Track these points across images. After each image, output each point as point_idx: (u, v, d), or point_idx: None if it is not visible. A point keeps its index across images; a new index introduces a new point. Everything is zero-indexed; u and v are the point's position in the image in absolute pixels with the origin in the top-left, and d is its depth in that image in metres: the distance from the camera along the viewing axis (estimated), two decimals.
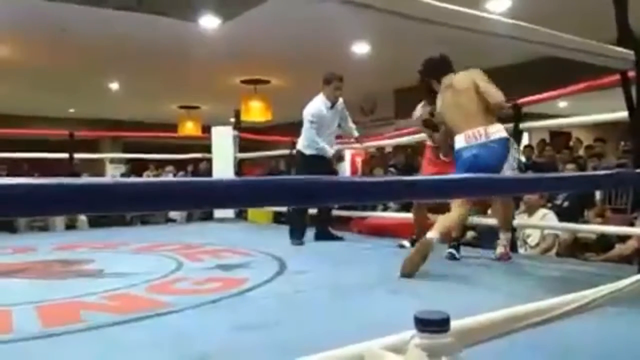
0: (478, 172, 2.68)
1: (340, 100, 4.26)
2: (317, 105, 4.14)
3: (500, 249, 3.18)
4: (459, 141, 2.92)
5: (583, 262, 3.45)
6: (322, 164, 4.12)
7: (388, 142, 5.11)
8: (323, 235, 4.28)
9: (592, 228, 3.89)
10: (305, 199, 1.09)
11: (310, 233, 4.24)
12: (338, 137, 4.91)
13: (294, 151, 5.28)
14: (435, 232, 2.78)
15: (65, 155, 5.66)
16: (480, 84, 2.95)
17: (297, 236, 4.08)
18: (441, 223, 2.87)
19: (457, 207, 2.95)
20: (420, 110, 3.65)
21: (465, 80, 3.01)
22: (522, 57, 6.71)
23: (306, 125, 4.16)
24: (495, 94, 2.94)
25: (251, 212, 6.28)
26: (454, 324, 0.80)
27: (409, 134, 4.51)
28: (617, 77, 1.98)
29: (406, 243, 3.72)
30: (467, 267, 2.98)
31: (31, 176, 0.64)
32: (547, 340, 1.44)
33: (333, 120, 4.25)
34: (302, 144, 4.21)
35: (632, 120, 1.73)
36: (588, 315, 1.31)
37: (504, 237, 3.21)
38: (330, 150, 4.17)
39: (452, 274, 2.83)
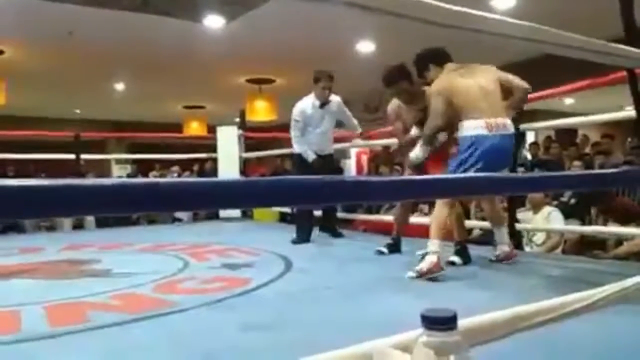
0: (502, 162, 2.71)
1: (337, 99, 4.17)
2: (302, 104, 4.06)
3: (503, 248, 2.99)
4: (479, 127, 2.72)
5: (590, 260, 3.43)
6: (314, 162, 4.04)
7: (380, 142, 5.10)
8: (327, 229, 4.33)
9: (596, 229, 3.85)
10: (310, 199, 1.09)
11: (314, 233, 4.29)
12: (342, 138, 4.86)
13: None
14: (435, 242, 2.68)
15: (71, 156, 5.69)
16: (501, 75, 2.89)
17: (301, 235, 4.06)
18: (434, 229, 2.74)
19: (439, 207, 2.82)
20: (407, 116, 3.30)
21: (489, 70, 2.90)
22: (526, 55, 6.69)
23: (291, 124, 4.11)
24: (520, 81, 2.89)
25: (257, 211, 6.30)
26: (462, 322, 0.80)
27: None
28: (621, 73, 1.97)
29: (384, 249, 3.40)
30: (473, 266, 2.97)
31: (38, 177, 0.65)
32: (555, 339, 1.43)
33: (322, 120, 4.10)
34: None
35: (639, 118, 1.72)
36: (596, 314, 1.30)
37: (499, 234, 3.03)
38: (311, 155, 4.03)
39: (458, 272, 2.82)
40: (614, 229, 3.65)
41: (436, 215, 2.80)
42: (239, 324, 1.93)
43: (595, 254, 3.92)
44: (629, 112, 2.29)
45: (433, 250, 2.65)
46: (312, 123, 4.05)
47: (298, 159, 4.12)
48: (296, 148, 4.11)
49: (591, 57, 1.42)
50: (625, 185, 3.74)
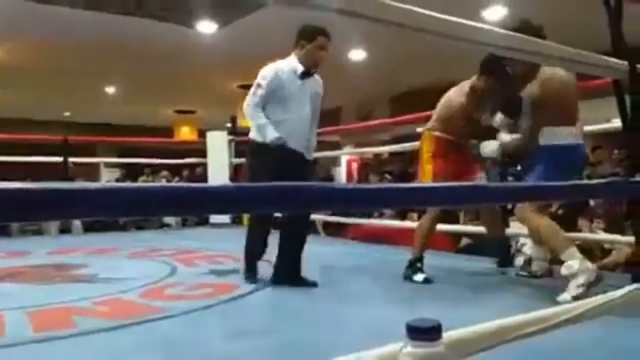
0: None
1: (321, 81, 2.85)
2: (277, 65, 2.72)
3: (541, 265, 2.95)
4: (575, 135, 2.62)
5: None
6: (276, 161, 2.54)
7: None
8: (293, 280, 2.71)
9: (583, 236, 3.87)
10: (299, 205, 1.08)
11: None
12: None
13: None
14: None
15: (59, 159, 5.63)
16: None
17: (251, 273, 2.80)
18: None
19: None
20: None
21: None
22: None
23: (250, 92, 2.72)
24: None
25: (246, 217, 6.27)
26: (448, 334, 0.80)
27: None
28: (605, 80, 2.00)
29: (418, 278, 2.77)
30: (463, 277, 2.98)
31: (24, 180, 0.64)
32: (542, 351, 1.43)
33: (304, 96, 2.69)
34: None
35: (625, 130, 1.74)
36: (583, 325, 1.30)
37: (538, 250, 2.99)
38: (270, 135, 2.57)
39: (448, 283, 2.82)
40: (600, 236, 3.68)
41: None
42: (224, 331, 1.92)
43: None
44: (615, 124, 2.31)
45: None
46: (285, 96, 2.65)
47: (256, 150, 2.70)
48: (256, 131, 2.68)
49: (579, 69, 1.44)
50: (611, 196, 3.77)
